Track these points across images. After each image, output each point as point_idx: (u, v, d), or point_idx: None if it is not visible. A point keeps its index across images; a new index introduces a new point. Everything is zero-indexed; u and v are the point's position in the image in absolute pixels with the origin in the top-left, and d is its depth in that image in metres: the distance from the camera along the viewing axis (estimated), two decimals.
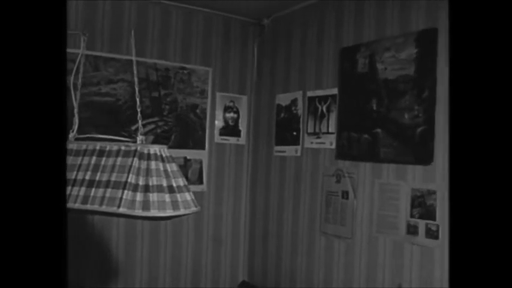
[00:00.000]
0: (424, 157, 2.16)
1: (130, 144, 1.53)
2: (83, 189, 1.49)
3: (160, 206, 1.44)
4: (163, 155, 1.52)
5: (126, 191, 1.44)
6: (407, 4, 2.31)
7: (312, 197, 2.85)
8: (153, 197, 1.44)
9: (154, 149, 1.51)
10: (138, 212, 1.44)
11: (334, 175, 2.68)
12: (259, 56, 3.43)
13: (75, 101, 1.75)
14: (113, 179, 1.48)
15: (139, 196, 1.44)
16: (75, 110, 1.73)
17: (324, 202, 2.73)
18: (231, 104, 3.37)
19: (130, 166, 1.47)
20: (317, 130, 2.83)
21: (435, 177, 2.12)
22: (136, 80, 1.68)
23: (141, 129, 1.61)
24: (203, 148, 3.24)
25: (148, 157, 1.49)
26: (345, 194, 2.60)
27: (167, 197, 1.45)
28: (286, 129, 3.09)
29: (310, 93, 2.91)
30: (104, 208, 1.45)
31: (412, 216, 2.20)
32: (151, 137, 3.01)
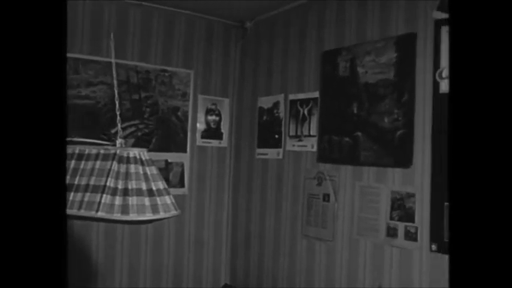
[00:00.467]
0: (404, 160, 2.19)
1: (109, 147, 1.51)
2: None
3: (139, 210, 1.43)
4: (143, 158, 1.51)
5: (104, 195, 1.42)
6: (387, 9, 2.35)
7: (294, 199, 2.86)
8: (132, 200, 1.43)
9: (134, 152, 1.50)
10: (117, 216, 1.42)
11: (315, 178, 2.70)
12: (241, 58, 3.43)
13: None
14: (91, 183, 1.47)
15: (118, 200, 1.43)
16: None
17: (306, 205, 2.74)
18: (213, 106, 3.36)
19: (109, 170, 1.46)
20: (299, 133, 2.85)
21: (414, 180, 2.15)
22: (115, 82, 1.67)
23: (120, 133, 1.59)
24: (185, 151, 3.22)
25: (128, 160, 1.48)
26: (326, 197, 2.61)
27: (146, 201, 1.44)
28: (268, 132, 3.10)
29: (292, 96, 2.93)
30: (82, 212, 1.43)
31: (391, 218, 2.22)
32: (132, 140, 2.99)
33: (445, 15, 2.06)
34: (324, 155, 2.64)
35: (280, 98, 3.02)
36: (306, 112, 2.81)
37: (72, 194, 1.45)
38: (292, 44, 2.97)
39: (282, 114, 3.00)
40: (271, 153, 3.06)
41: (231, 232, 3.41)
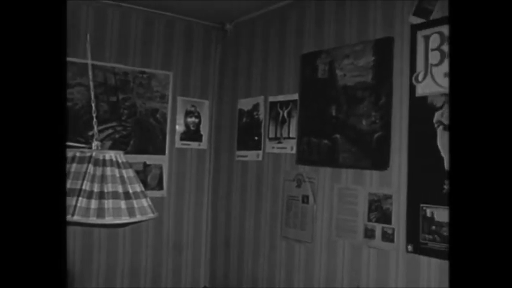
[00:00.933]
0: (381, 162, 2.21)
1: (85, 150, 1.49)
2: None
3: (115, 213, 1.41)
4: (119, 161, 1.49)
5: (80, 198, 1.40)
6: (364, 13, 2.37)
7: (273, 201, 2.86)
8: (108, 204, 1.42)
9: (110, 155, 1.48)
10: (93, 220, 1.40)
11: (294, 180, 2.71)
12: (221, 60, 3.43)
13: None
14: (67, 186, 1.44)
15: (94, 203, 1.41)
16: None
17: (285, 207, 2.75)
18: (193, 108, 3.35)
19: (85, 173, 1.44)
20: (278, 135, 2.85)
21: (391, 181, 2.18)
22: (91, 84, 1.65)
23: (96, 135, 1.58)
24: (163, 153, 3.20)
25: (104, 163, 1.46)
26: (305, 199, 2.63)
27: (123, 204, 1.43)
28: (248, 134, 3.10)
29: (271, 99, 2.94)
30: None
31: (369, 220, 2.25)
32: (109, 142, 2.95)
33: (420, 20, 2.09)
34: (303, 157, 2.65)
35: (260, 100, 3.02)
36: (285, 114, 2.82)
37: None
38: (272, 46, 2.98)
39: (261, 116, 3.00)
40: (250, 155, 3.07)
41: (211, 234, 3.40)
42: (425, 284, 2.00)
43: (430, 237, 1.97)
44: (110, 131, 2.98)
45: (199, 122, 3.38)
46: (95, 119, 1.61)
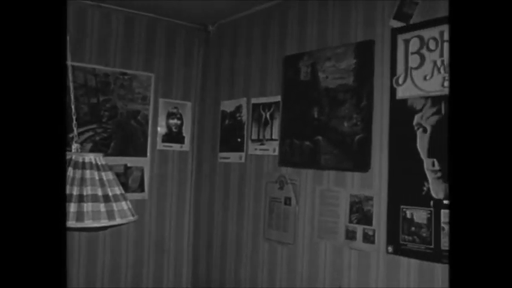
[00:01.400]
0: (362, 164, 2.23)
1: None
2: None
3: (95, 216, 1.40)
4: (99, 164, 1.48)
5: None
6: (346, 16, 2.39)
7: (256, 203, 2.86)
8: (88, 207, 1.40)
9: (90, 157, 1.46)
10: (72, 224, 1.39)
11: (277, 182, 2.71)
12: (204, 62, 3.42)
13: None
14: None
15: (72, 207, 1.39)
16: None
17: (268, 208, 2.76)
18: (175, 110, 3.33)
19: None
20: (261, 137, 2.86)
21: (372, 183, 2.20)
22: (71, 86, 1.63)
23: (76, 138, 1.56)
24: (145, 155, 3.17)
25: (83, 166, 1.45)
26: (288, 200, 2.64)
27: (102, 207, 1.41)
28: (231, 135, 3.10)
29: (254, 100, 2.94)
30: None
31: (350, 221, 2.27)
32: (89, 145, 2.91)
33: (401, 24, 2.12)
34: (286, 158, 2.66)
35: (243, 101, 3.02)
36: (268, 116, 2.83)
37: None
38: (254, 48, 2.99)
39: (244, 118, 3.00)
40: (233, 157, 3.06)
41: (193, 236, 3.38)
42: (405, 284, 2.02)
43: (410, 238, 1.99)
44: (91, 133, 2.95)
45: (182, 124, 3.36)
46: (74, 121, 1.60)
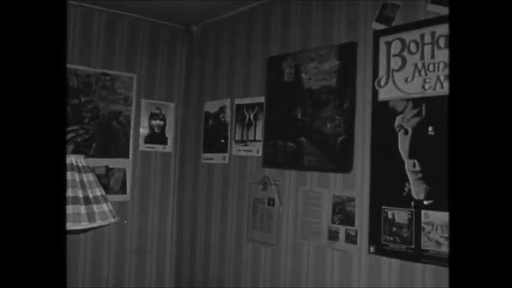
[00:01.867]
0: (344, 165, 2.25)
1: None
2: None
3: (75, 219, 1.39)
4: (80, 165, 1.46)
5: None
6: (329, 18, 2.41)
7: (240, 204, 2.86)
8: (68, 209, 1.39)
9: (70, 159, 1.45)
10: None
11: (260, 182, 2.72)
12: (187, 62, 3.41)
13: None
14: None
15: None
16: None
17: (251, 209, 2.76)
18: (157, 111, 3.31)
19: None
20: (244, 138, 2.86)
21: (354, 184, 2.21)
22: None
23: None
24: (127, 156, 3.14)
25: None
26: (271, 201, 2.64)
27: (83, 209, 1.40)
28: (214, 136, 3.09)
29: (238, 101, 2.94)
30: None
31: (333, 222, 2.28)
32: (71, 146, 2.87)
33: (383, 26, 2.14)
34: (269, 159, 2.66)
35: (227, 102, 3.02)
36: (251, 117, 2.83)
37: None
38: (238, 49, 2.98)
39: (228, 119, 3.00)
40: (217, 157, 3.06)
41: (176, 237, 3.36)
42: (386, 284, 2.04)
43: (391, 238, 2.02)
44: (72, 134, 2.91)
45: (165, 125, 3.34)
46: None
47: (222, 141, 3.01)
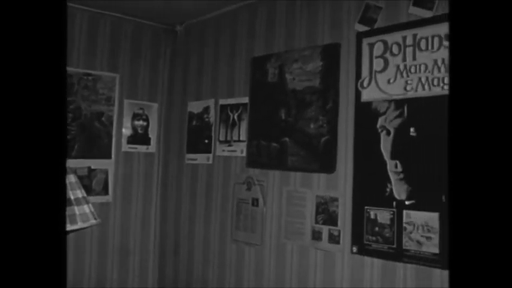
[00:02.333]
0: (328, 165, 2.26)
1: None
2: None
3: None
4: None
5: None
6: (313, 19, 2.42)
7: (224, 204, 2.86)
8: None
9: None
10: None
11: (244, 183, 2.72)
12: (171, 62, 3.38)
13: None
14: None
15: None
16: None
17: (235, 210, 2.76)
18: (140, 111, 3.28)
19: None
20: (228, 138, 2.85)
21: (337, 184, 2.23)
22: None
23: None
24: (109, 157, 3.11)
25: None
26: (255, 202, 2.64)
27: None
28: (198, 137, 3.08)
29: (222, 101, 2.93)
30: None
31: (316, 222, 2.29)
32: None
33: (366, 28, 2.16)
34: (253, 160, 2.66)
35: (211, 102, 3.01)
36: (235, 117, 2.82)
37: None
38: (222, 49, 2.98)
39: (212, 119, 2.99)
40: (200, 158, 3.04)
41: (159, 238, 3.34)
42: (369, 284, 2.06)
43: (374, 238, 2.04)
44: None
45: (148, 125, 3.31)
46: None
47: (206, 141, 3.00)
